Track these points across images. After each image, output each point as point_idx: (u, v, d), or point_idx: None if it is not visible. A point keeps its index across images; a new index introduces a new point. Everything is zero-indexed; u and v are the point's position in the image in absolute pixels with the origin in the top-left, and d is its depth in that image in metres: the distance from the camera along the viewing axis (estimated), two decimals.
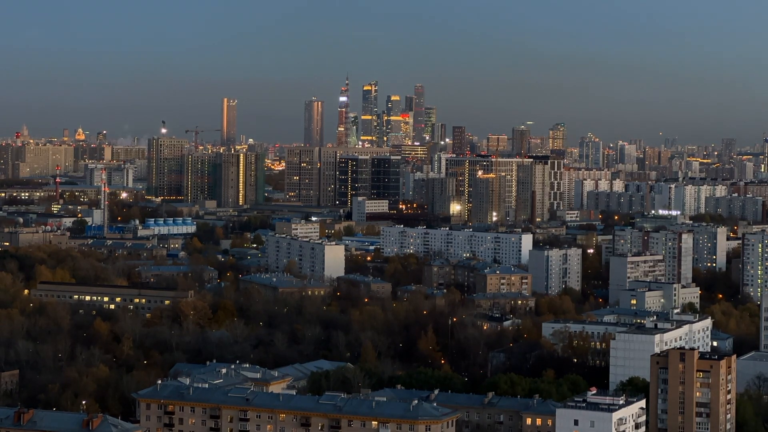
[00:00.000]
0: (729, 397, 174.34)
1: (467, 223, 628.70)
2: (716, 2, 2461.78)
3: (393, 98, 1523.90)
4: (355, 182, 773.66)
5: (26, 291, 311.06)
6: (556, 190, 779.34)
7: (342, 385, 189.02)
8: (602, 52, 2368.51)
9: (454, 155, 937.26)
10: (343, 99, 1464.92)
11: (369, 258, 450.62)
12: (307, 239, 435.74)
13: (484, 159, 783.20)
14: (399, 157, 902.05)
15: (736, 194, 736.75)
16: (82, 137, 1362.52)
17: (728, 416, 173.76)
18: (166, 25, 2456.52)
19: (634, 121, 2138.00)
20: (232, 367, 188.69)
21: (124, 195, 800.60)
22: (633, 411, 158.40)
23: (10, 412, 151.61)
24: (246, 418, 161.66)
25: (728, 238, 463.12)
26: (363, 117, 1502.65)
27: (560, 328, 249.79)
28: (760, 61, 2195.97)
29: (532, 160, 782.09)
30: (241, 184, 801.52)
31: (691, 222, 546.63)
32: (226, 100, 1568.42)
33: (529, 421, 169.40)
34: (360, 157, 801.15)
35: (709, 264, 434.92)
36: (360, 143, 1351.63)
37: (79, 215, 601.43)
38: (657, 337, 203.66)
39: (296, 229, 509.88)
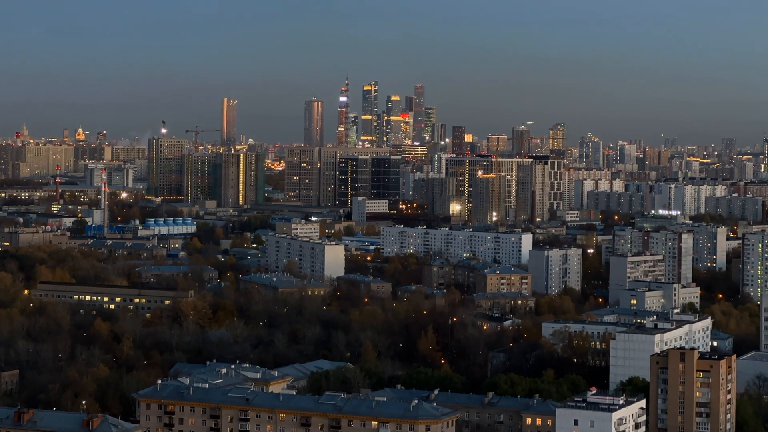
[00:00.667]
0: (729, 397, 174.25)
1: (467, 223, 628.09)
2: (716, 2, 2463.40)
3: (393, 98, 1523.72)
4: (355, 182, 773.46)
5: (26, 291, 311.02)
6: (556, 190, 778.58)
7: (342, 385, 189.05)
8: (602, 53, 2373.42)
9: (454, 155, 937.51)
10: (343, 99, 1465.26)
11: (369, 258, 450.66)
12: (307, 239, 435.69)
13: (484, 159, 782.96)
14: (399, 157, 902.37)
15: (736, 194, 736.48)
16: (82, 137, 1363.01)
17: (728, 416, 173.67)
18: (166, 25, 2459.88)
19: (634, 121, 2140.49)
20: (232, 367, 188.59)
21: (124, 195, 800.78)
22: (633, 411, 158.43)
23: (10, 412, 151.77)
24: (246, 418, 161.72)
25: (728, 238, 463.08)
26: (363, 117, 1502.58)
27: (560, 328, 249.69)
28: (760, 61, 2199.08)
29: (532, 160, 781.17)
30: (241, 184, 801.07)
31: (691, 222, 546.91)
32: (226, 100, 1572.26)
33: (529, 421, 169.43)
34: (360, 157, 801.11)
35: (709, 264, 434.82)
36: (360, 143, 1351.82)
37: (79, 215, 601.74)
38: (657, 337, 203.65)
39: (296, 229, 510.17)
